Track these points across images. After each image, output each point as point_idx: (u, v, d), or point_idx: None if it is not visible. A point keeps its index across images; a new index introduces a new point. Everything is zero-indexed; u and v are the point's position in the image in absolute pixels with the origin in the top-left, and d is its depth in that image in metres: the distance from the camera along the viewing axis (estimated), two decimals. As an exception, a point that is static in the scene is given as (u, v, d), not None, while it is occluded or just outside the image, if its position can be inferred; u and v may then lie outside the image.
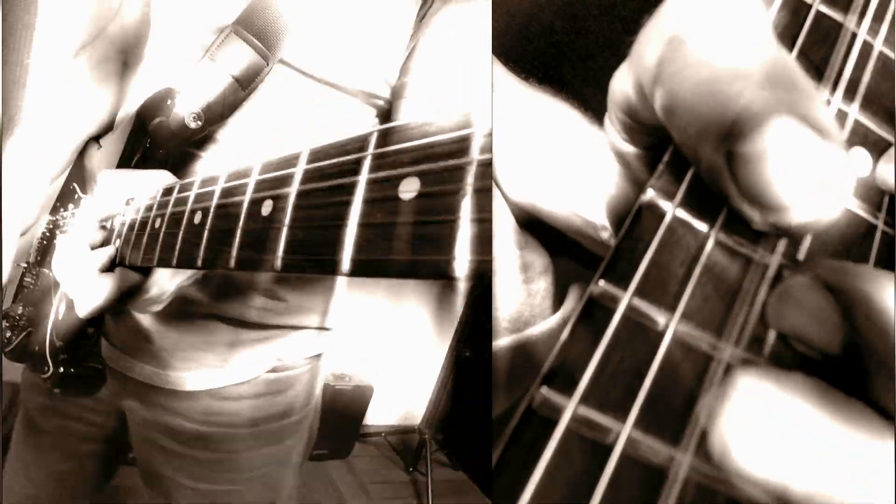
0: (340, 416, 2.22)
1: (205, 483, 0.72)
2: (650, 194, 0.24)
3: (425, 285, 2.44)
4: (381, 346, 2.41)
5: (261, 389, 0.70)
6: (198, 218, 0.37)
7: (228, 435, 0.70)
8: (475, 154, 0.18)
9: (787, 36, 0.27)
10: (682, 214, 0.23)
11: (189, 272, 0.53)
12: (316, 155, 0.27)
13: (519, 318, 0.37)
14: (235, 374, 0.68)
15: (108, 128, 0.65)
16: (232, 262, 0.32)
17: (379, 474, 2.31)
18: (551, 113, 0.38)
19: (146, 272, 0.49)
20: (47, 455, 0.77)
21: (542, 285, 0.38)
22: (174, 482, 0.72)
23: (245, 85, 0.55)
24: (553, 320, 0.37)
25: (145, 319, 0.65)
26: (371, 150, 0.22)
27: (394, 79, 0.60)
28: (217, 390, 0.68)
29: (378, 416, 2.47)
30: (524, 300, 0.37)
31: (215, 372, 0.67)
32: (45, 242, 0.66)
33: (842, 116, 0.26)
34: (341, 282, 0.75)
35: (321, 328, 0.75)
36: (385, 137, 0.22)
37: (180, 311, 0.64)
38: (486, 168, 0.18)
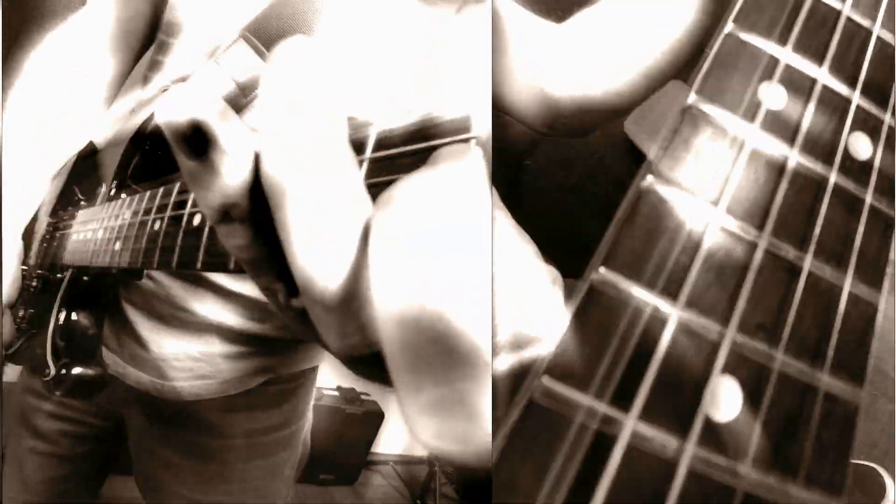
0: (349, 442, 2.12)
1: (200, 494, 0.72)
2: (649, 180, 0.23)
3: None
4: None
5: (256, 402, 0.70)
6: (197, 220, 0.37)
7: (224, 446, 0.70)
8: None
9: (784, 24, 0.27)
10: (683, 199, 0.23)
11: None
12: (382, 142, 0.27)
13: (524, 334, 0.37)
14: (230, 386, 0.68)
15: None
16: (231, 264, 0.32)
17: (385, 504, 2.21)
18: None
19: None
20: (42, 459, 0.77)
21: (552, 298, 0.38)
22: (171, 491, 0.72)
23: (248, 92, 0.55)
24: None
25: (142, 327, 0.65)
26: (368, 154, 0.22)
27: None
28: (213, 402, 0.68)
29: (387, 442, 2.33)
30: (533, 312, 0.37)
31: (210, 383, 0.67)
32: (45, 245, 0.66)
33: (840, 99, 0.26)
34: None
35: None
36: (382, 141, 0.22)
37: (176, 320, 0.64)
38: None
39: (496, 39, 0.41)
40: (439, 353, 0.16)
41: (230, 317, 0.65)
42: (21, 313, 0.66)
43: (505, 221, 0.39)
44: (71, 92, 0.66)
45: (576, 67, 0.41)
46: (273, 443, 0.74)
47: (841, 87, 0.27)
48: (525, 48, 0.42)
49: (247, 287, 0.65)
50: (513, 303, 0.37)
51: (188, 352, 0.66)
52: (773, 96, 0.26)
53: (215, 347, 0.66)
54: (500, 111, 0.43)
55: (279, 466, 0.76)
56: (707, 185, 0.24)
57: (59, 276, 0.62)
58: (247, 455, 0.72)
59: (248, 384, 0.68)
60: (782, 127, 0.25)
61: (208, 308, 0.65)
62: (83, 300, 0.61)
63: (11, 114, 0.64)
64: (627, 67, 0.40)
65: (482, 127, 0.18)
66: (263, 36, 0.54)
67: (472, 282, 0.16)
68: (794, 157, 0.25)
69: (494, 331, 0.36)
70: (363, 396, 2.13)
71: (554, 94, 0.41)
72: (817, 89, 0.26)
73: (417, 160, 0.20)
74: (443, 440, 0.16)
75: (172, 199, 0.41)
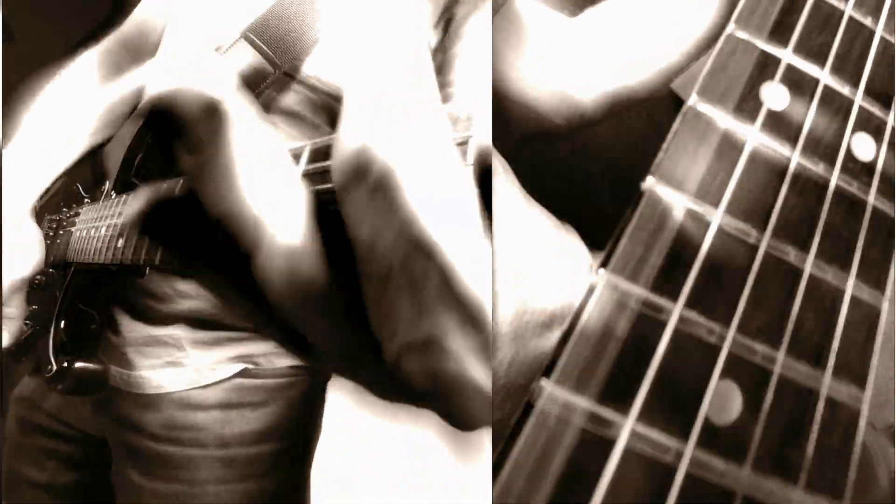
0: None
1: None
2: (649, 181, 0.23)
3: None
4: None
5: (231, 397, 0.60)
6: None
7: (192, 458, 0.59)
8: (471, 160, 0.18)
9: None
10: (683, 200, 0.23)
11: None
12: (316, 154, 0.27)
13: (528, 302, 0.37)
14: (201, 375, 0.60)
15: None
16: None
17: None
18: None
19: None
20: (21, 489, 0.67)
21: (565, 268, 0.38)
22: None
23: (250, 90, 0.54)
24: None
25: (114, 311, 0.63)
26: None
27: None
28: (181, 396, 0.60)
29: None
30: (539, 280, 0.37)
31: (178, 371, 0.61)
32: (48, 242, 0.66)
33: (843, 100, 0.26)
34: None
35: None
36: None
37: (146, 306, 0.61)
38: (485, 173, 0.18)
39: (513, 36, 0.41)
40: (409, 307, 0.18)
41: (201, 303, 0.61)
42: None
43: (513, 191, 0.39)
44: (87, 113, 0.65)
45: (590, 65, 0.41)
46: (257, 459, 0.61)
47: (843, 88, 0.27)
48: (540, 43, 0.42)
49: None
50: (513, 268, 0.36)
51: (157, 335, 0.61)
52: (775, 97, 0.26)
53: (186, 332, 0.61)
54: (521, 107, 0.43)
55: (272, 498, 0.62)
56: (708, 187, 0.23)
57: (62, 272, 0.62)
58: (223, 472, 0.59)
59: (219, 374, 0.60)
60: (784, 128, 0.25)
61: (179, 294, 0.61)
62: (86, 296, 0.61)
63: (25, 128, 0.64)
64: (644, 66, 0.40)
65: (482, 126, 0.18)
66: (265, 36, 0.54)
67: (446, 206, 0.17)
68: (796, 159, 0.25)
69: (494, 301, 0.35)
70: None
71: (575, 95, 0.41)
72: (819, 90, 0.26)
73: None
74: (413, 378, 0.19)
75: (174, 197, 0.41)
